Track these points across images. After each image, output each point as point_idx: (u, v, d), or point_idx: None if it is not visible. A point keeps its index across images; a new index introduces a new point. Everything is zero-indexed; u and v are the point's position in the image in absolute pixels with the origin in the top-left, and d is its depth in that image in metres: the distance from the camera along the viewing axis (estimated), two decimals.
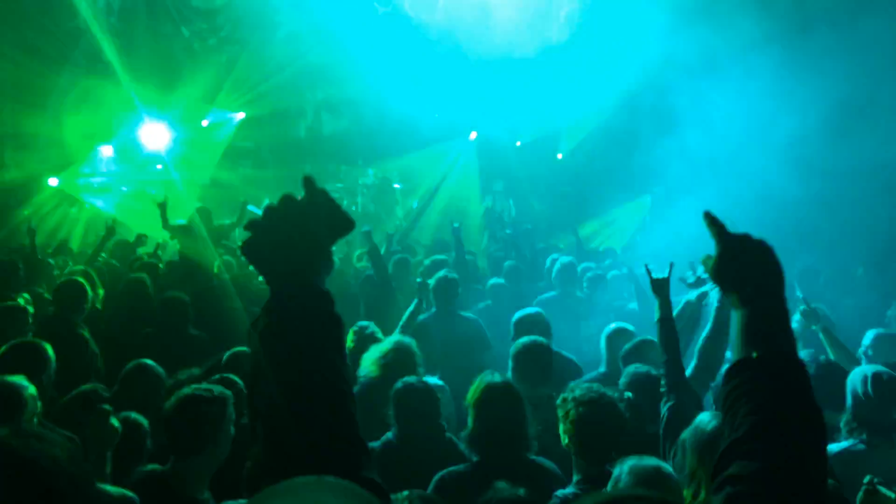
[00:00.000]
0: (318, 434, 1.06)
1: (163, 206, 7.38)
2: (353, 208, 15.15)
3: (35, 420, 2.66)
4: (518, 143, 15.61)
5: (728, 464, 1.11)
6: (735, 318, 1.26)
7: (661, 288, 3.44)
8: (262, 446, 1.09)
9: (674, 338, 3.25)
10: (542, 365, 3.53)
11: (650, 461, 2.30)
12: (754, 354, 1.20)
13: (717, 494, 1.09)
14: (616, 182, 13.39)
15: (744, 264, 1.27)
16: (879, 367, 3.54)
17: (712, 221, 1.32)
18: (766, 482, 1.06)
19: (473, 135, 15.59)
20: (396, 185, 15.41)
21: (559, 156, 15.62)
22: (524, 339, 3.65)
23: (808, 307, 4.85)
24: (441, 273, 5.21)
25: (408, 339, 3.74)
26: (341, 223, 1.18)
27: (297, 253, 1.14)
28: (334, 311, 1.16)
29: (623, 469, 2.28)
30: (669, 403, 3.06)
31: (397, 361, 3.54)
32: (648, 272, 3.60)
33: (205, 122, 14.76)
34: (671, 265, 3.62)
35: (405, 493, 2.22)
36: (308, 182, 1.18)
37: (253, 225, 1.15)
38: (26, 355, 3.39)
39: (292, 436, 1.06)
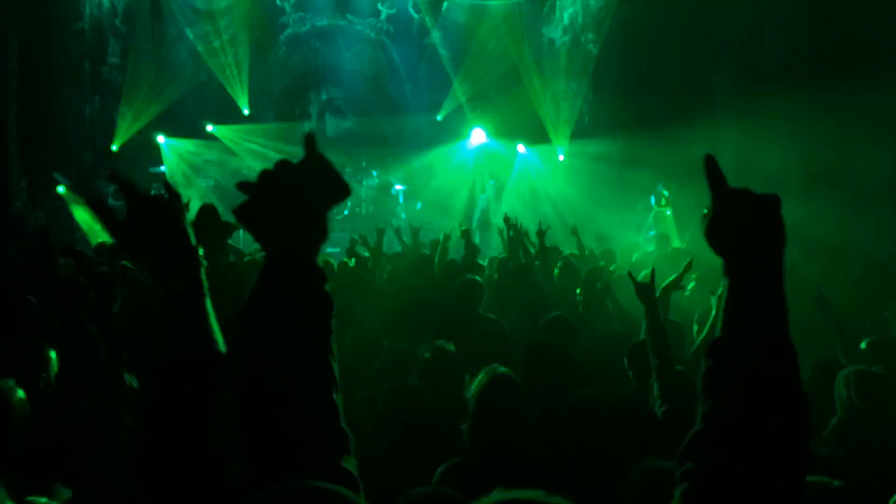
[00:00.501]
0: (297, 419, 1.01)
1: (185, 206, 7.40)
2: (357, 210, 15.16)
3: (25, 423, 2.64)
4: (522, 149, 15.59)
5: (689, 458, 1.01)
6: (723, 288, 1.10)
7: (645, 293, 3.39)
8: (235, 429, 1.04)
9: (664, 343, 3.19)
10: (551, 367, 3.48)
11: (664, 464, 2.28)
12: (732, 334, 1.05)
13: (677, 489, 1.00)
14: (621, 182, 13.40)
15: (738, 225, 1.08)
16: (865, 367, 3.26)
17: (712, 170, 1.11)
18: (726, 480, 0.96)
19: (477, 136, 15.59)
20: (399, 187, 15.42)
21: (560, 157, 15.63)
22: (532, 341, 3.61)
23: (821, 296, 4.30)
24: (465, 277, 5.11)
25: (450, 346, 3.62)
26: (338, 189, 1.09)
27: (292, 220, 1.07)
28: (326, 291, 1.09)
29: (636, 472, 2.25)
30: (664, 408, 3.03)
31: (437, 370, 3.44)
32: (632, 278, 3.56)
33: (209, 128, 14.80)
34: (653, 270, 3.56)
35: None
36: (309, 140, 1.09)
37: (246, 187, 1.08)
38: (24, 356, 3.37)
39: (268, 419, 1.00)
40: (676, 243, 9.32)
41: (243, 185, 1.08)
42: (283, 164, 1.07)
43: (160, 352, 1.20)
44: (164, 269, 1.23)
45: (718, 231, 1.10)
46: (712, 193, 1.11)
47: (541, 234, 6.49)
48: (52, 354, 3.47)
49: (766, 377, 1.01)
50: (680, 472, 1.00)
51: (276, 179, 1.07)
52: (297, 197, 1.06)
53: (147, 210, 1.25)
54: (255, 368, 1.03)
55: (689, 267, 3.89)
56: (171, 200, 1.30)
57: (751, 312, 1.05)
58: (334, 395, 1.06)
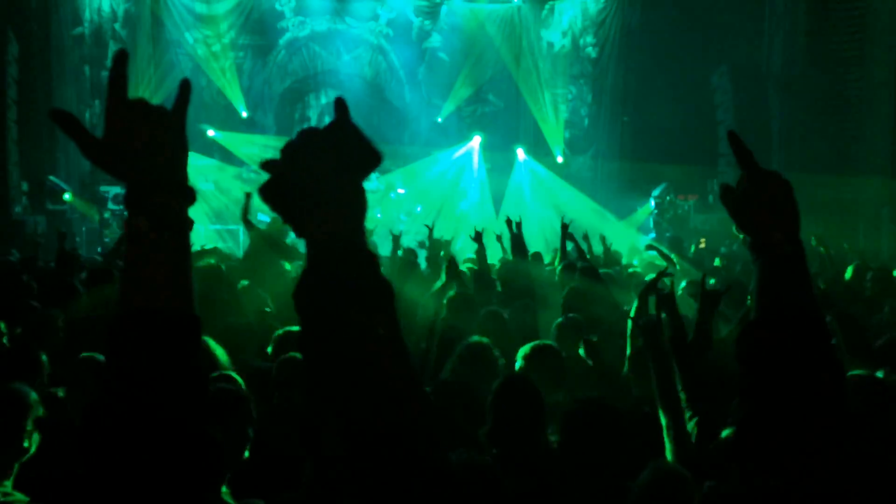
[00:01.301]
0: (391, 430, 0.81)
1: (248, 197, 7.27)
2: None
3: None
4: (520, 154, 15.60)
5: (742, 447, 1.04)
6: (754, 271, 1.09)
7: (667, 303, 3.30)
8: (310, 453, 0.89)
9: (687, 359, 3.14)
10: (551, 369, 3.45)
11: (666, 464, 2.28)
12: (771, 313, 1.05)
13: (737, 467, 1.06)
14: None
15: (768, 206, 1.08)
16: (870, 374, 2.90)
17: (738, 146, 1.10)
18: (782, 455, 0.98)
19: (477, 140, 15.61)
20: (401, 191, 15.42)
21: (559, 159, 15.64)
22: (533, 343, 3.57)
23: (820, 291, 4.14)
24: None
25: (485, 340, 3.50)
26: (369, 156, 0.91)
27: (326, 194, 0.88)
28: (382, 275, 0.88)
29: (646, 472, 2.25)
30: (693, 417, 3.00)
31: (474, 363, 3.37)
32: (649, 291, 3.50)
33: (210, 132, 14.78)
34: (672, 281, 3.51)
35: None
36: (339, 104, 0.91)
37: (270, 164, 0.89)
38: (18, 360, 3.37)
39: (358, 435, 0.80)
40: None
41: (266, 164, 0.89)
42: (308, 132, 0.90)
43: (117, 306, 0.94)
44: (139, 199, 0.96)
45: (748, 210, 1.09)
46: (745, 171, 1.09)
47: (564, 227, 6.42)
48: (44, 358, 3.46)
49: (811, 352, 1.02)
50: (739, 450, 1.03)
51: (302, 149, 0.89)
52: (327, 166, 0.88)
53: (133, 118, 0.98)
54: (326, 378, 0.83)
55: (664, 271, 3.87)
56: (175, 109, 0.99)
57: (787, 290, 1.05)
58: (423, 398, 0.87)
